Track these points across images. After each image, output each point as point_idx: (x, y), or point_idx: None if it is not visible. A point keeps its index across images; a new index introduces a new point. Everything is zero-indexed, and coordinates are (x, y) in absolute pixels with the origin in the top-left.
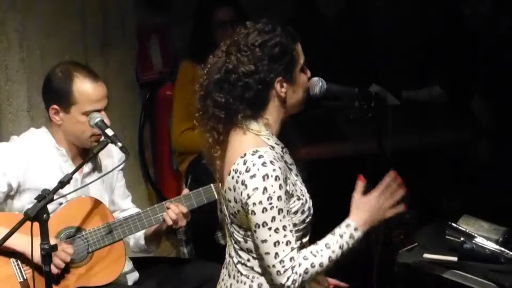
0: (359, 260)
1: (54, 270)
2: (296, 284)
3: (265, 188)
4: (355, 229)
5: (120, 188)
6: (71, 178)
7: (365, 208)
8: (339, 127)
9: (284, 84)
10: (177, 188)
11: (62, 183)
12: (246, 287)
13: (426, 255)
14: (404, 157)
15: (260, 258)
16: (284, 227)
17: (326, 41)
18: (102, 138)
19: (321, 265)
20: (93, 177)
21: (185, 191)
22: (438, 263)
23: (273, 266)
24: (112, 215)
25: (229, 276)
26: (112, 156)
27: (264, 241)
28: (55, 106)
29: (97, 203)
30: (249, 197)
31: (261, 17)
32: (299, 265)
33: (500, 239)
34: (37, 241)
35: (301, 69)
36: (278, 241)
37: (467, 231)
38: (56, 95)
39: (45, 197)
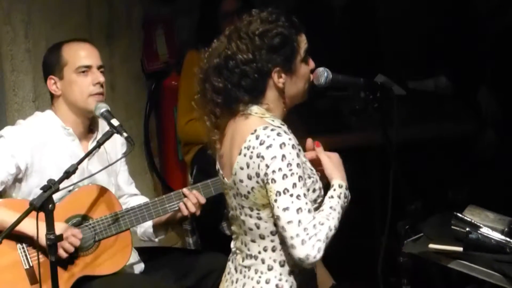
0: (363, 251)
1: (63, 254)
2: (321, 252)
3: (283, 156)
4: (346, 187)
5: (124, 172)
6: (77, 168)
7: (338, 166)
8: (345, 117)
9: (282, 75)
10: (183, 178)
11: (68, 173)
12: (253, 283)
13: (431, 245)
14: (409, 148)
15: (272, 243)
16: (304, 195)
17: (332, 31)
18: (108, 129)
19: (335, 227)
20: (96, 158)
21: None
22: (443, 253)
23: (297, 235)
24: (120, 203)
25: (236, 271)
26: (115, 140)
27: (286, 209)
28: (51, 76)
29: (105, 191)
30: (267, 166)
31: (266, 6)
32: (320, 231)
33: (506, 229)
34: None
35: (303, 60)
36: (300, 208)
37: (473, 221)
38: (50, 65)
39: (51, 187)
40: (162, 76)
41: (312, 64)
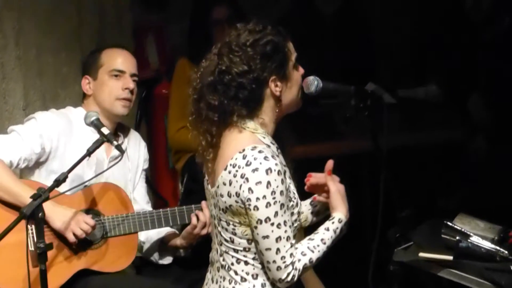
0: (354, 259)
1: (71, 238)
2: (294, 279)
3: (268, 182)
4: (345, 223)
5: (141, 188)
6: (66, 177)
7: (344, 199)
8: (335, 125)
9: (278, 83)
10: (173, 187)
11: (58, 182)
12: None
13: (421, 254)
14: (400, 156)
15: (244, 258)
16: (285, 222)
17: (323, 39)
18: (98, 136)
19: (317, 260)
20: (117, 164)
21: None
22: (433, 261)
23: (274, 261)
24: (133, 206)
25: (212, 281)
26: (139, 151)
27: (266, 237)
28: (87, 76)
29: (121, 191)
30: (251, 191)
31: (256, 15)
32: (298, 261)
33: (496, 237)
34: (60, 208)
35: (294, 66)
36: (280, 237)
37: (463, 229)
38: (87, 65)
39: (41, 195)
40: (153, 84)
41: (301, 70)
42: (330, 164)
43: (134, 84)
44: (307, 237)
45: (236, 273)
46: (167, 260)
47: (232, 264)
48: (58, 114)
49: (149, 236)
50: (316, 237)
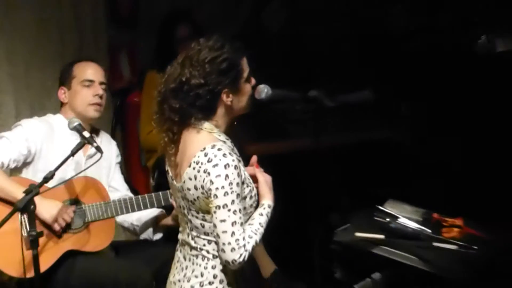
0: (302, 240)
1: (56, 227)
2: (245, 259)
3: (226, 175)
4: (273, 207)
5: (119, 178)
6: (54, 174)
7: (271, 187)
8: (283, 126)
9: (230, 95)
10: (146, 182)
11: (46, 179)
12: (201, 269)
13: (357, 234)
14: (339, 153)
15: (214, 239)
16: (240, 210)
17: (271, 53)
18: (76, 138)
19: (260, 241)
20: (94, 159)
21: None
22: (368, 240)
23: (229, 243)
24: (109, 196)
25: (185, 259)
26: (111, 150)
27: (223, 220)
28: (62, 87)
29: (98, 183)
30: (212, 183)
31: (214, 32)
32: (248, 243)
33: (420, 219)
34: (47, 201)
35: (246, 79)
36: (235, 221)
37: (392, 212)
38: (62, 77)
39: (32, 190)
40: (126, 93)
41: (253, 81)
42: (254, 158)
43: (103, 90)
44: (247, 223)
45: (208, 252)
46: (159, 235)
47: (204, 245)
48: (41, 120)
49: (140, 218)
50: (255, 222)
